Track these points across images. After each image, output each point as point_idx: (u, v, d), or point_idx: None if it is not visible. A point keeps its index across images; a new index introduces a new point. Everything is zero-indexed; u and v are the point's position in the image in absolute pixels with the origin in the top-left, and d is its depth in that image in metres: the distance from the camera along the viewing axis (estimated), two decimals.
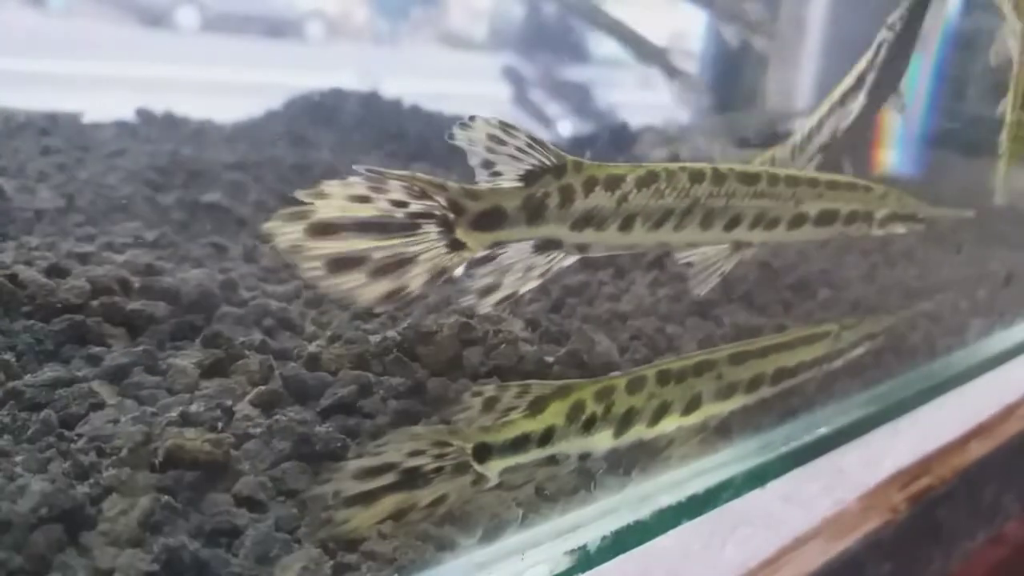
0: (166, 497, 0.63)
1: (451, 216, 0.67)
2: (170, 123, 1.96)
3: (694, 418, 0.84)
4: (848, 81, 1.21)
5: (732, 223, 0.80)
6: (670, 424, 0.83)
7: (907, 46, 1.14)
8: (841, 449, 1.03)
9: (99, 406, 0.76)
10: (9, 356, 0.79)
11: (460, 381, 0.86)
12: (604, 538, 0.77)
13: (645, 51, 2.16)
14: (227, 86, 2.99)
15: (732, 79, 2.35)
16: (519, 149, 0.70)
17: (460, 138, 0.68)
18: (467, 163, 0.70)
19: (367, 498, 0.64)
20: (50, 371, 0.79)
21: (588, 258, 1.26)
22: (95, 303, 0.91)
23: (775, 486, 0.95)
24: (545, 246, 0.73)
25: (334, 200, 0.63)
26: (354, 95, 2.15)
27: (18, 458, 0.66)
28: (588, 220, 0.73)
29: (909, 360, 1.19)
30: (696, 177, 0.77)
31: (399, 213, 0.65)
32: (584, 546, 0.74)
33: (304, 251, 0.62)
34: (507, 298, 0.74)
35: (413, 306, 1.03)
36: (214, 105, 2.16)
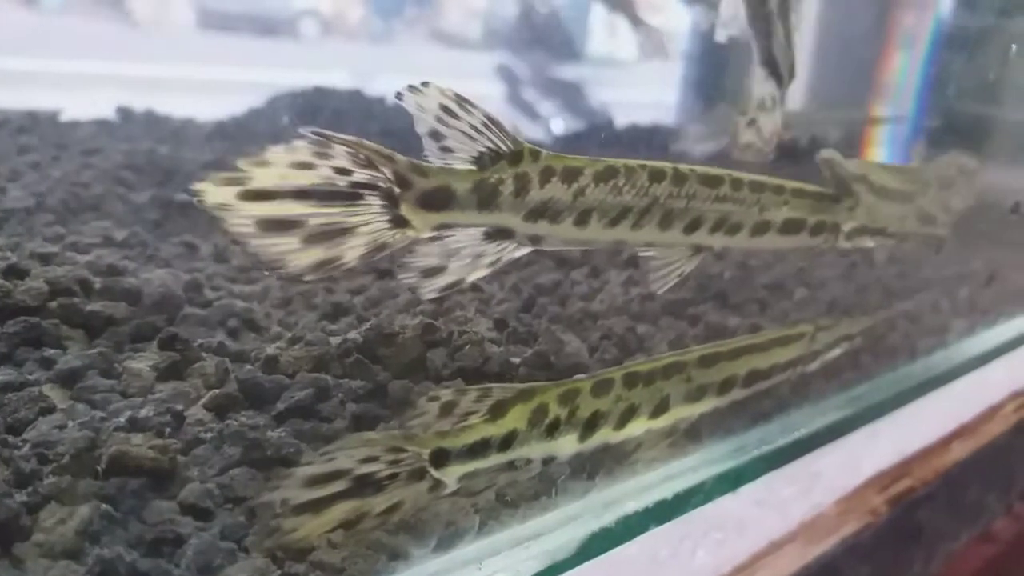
0: (105, 506, 0.61)
1: (396, 190, 0.64)
2: (150, 121, 1.94)
3: (663, 421, 0.83)
4: None
5: (692, 226, 0.78)
6: (638, 427, 0.81)
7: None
8: (818, 452, 1.01)
9: (49, 411, 0.74)
10: None
11: (423, 383, 0.84)
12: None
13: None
14: (219, 84, 2.97)
15: (712, 71, 2.32)
16: (474, 128, 0.67)
17: (408, 101, 0.65)
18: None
19: (317, 506, 0.62)
20: (1, 375, 0.77)
21: (562, 256, 1.25)
22: (53, 304, 0.89)
23: (749, 490, 0.93)
24: (496, 235, 0.70)
25: (275, 168, 0.60)
26: (337, 93, 2.12)
27: None
28: (543, 212, 0.71)
29: (888, 361, 1.17)
30: (656, 176, 0.75)
31: (341, 181, 0.62)
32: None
33: (234, 210, 0.59)
34: (453, 285, 0.70)
35: (380, 307, 1.01)
36: (205, 104, 2.14)
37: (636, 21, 2.11)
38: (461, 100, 0.67)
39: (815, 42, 2.34)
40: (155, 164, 1.56)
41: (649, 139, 2.24)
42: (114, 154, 1.58)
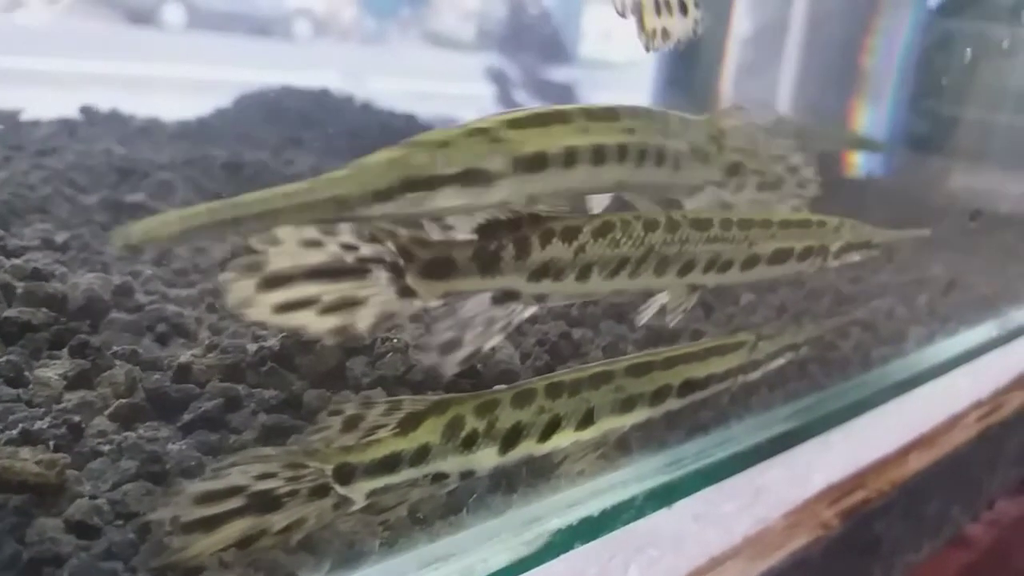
0: None
1: (401, 262, 0.67)
2: (114, 121, 1.91)
3: (590, 433, 0.80)
4: None
5: (686, 268, 0.81)
6: (564, 440, 0.78)
7: None
8: (762, 465, 0.98)
9: None
10: None
11: (342, 393, 0.81)
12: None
13: None
14: (198, 84, 2.95)
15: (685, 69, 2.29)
16: None
17: None
18: None
19: (209, 523, 0.60)
20: None
21: None
22: None
23: (685, 505, 0.90)
24: (503, 297, 0.73)
25: (286, 245, 0.62)
26: (305, 92, 2.10)
27: None
28: (545, 271, 0.73)
29: (839, 371, 1.14)
30: (650, 226, 0.78)
31: (349, 257, 0.65)
32: None
33: (256, 305, 0.62)
34: (472, 356, 0.75)
35: None
36: (179, 103, 2.12)
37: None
38: None
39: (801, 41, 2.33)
40: (110, 165, 1.54)
41: None
42: (68, 155, 1.56)
